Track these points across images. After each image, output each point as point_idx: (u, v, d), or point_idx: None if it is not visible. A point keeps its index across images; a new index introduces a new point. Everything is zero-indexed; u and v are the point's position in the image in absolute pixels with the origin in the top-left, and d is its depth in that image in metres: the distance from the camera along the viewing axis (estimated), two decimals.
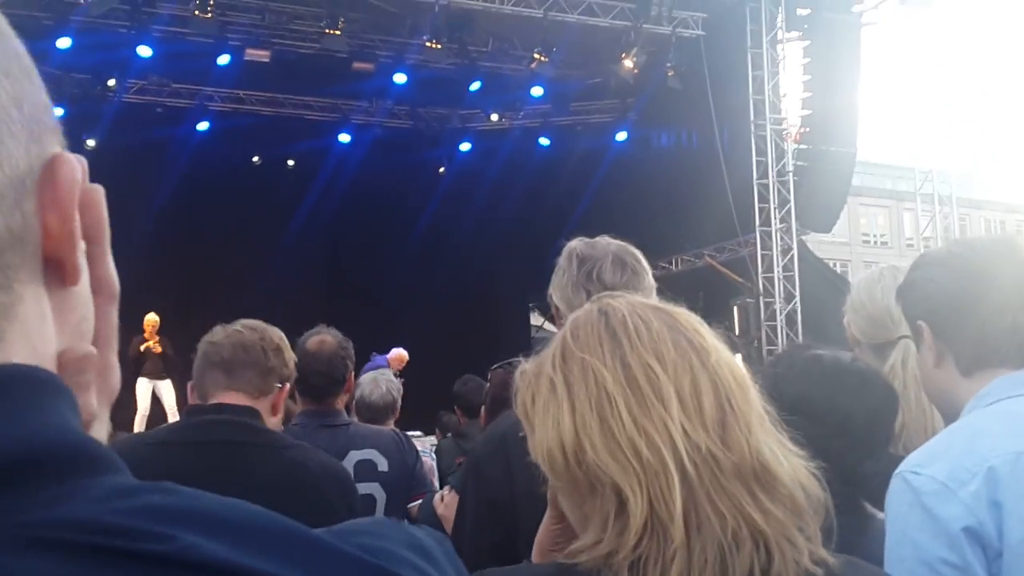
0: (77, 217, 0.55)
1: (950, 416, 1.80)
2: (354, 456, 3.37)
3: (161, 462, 2.14)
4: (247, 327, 2.35)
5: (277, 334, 2.42)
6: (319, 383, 3.38)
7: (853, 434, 1.81)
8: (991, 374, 1.68)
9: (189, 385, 2.44)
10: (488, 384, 3.09)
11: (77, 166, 0.56)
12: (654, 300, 1.25)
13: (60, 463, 0.47)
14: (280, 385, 2.39)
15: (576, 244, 2.27)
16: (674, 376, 1.06)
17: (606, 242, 2.27)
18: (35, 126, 0.55)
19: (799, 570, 1.04)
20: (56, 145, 0.57)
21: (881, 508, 1.83)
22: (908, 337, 2.28)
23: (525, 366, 1.21)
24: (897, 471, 1.59)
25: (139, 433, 7.18)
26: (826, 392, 1.85)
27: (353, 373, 3.50)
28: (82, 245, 0.56)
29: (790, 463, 1.08)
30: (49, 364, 0.54)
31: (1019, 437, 1.53)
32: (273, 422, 2.42)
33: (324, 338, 3.44)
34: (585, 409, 1.07)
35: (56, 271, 0.55)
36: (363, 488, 3.33)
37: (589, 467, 1.06)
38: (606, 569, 1.02)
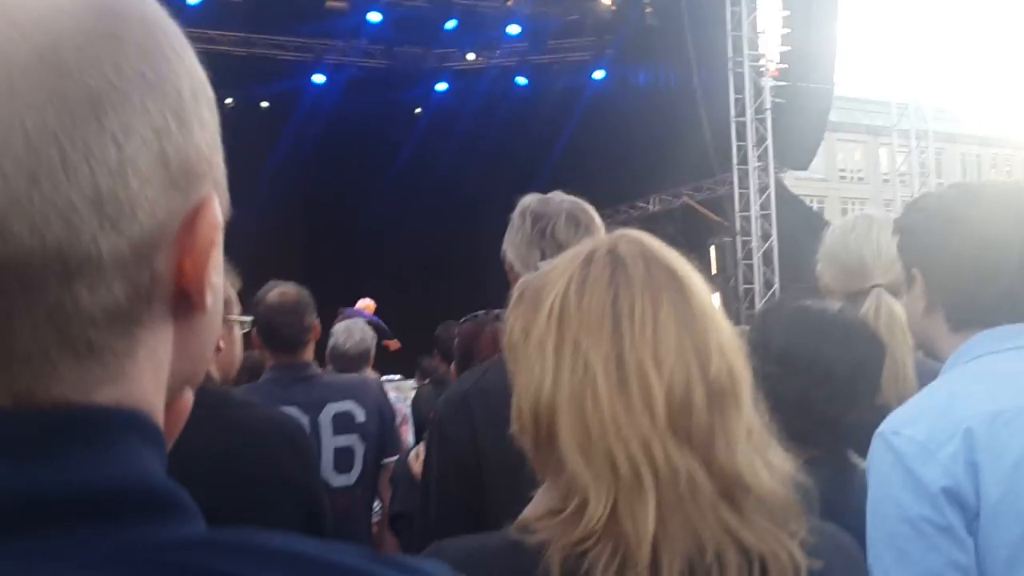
0: (215, 257, 0.56)
1: (933, 358, 1.81)
2: (332, 408, 3.35)
3: None
4: None
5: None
6: (289, 335, 3.32)
7: (836, 384, 1.82)
8: (978, 333, 1.68)
9: None
10: (456, 338, 3.06)
11: (218, 211, 0.56)
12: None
13: (140, 506, 0.50)
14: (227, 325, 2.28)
15: (530, 200, 2.26)
16: (669, 385, 1.00)
17: (560, 199, 2.26)
18: (183, 179, 0.53)
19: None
20: (208, 185, 0.56)
21: (866, 458, 1.86)
22: (881, 286, 2.29)
23: (524, 287, 1.14)
24: (879, 430, 1.60)
25: None
26: (810, 343, 1.86)
27: (316, 319, 3.44)
28: (215, 279, 0.57)
29: (773, 476, 1.05)
30: (160, 393, 0.56)
31: (996, 398, 1.54)
32: (219, 358, 2.32)
33: (284, 290, 3.37)
34: (566, 395, 1.01)
35: (184, 302, 0.56)
36: (342, 440, 3.33)
37: (558, 450, 1.02)
38: (559, 554, 0.97)
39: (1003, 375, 1.60)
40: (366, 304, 10.47)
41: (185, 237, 0.54)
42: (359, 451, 3.38)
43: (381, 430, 3.50)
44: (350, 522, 3.21)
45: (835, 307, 1.99)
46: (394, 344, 10.22)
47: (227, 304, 2.27)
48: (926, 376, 2.09)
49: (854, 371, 1.85)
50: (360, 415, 3.42)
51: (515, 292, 1.15)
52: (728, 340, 1.07)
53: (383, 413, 3.57)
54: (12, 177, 0.47)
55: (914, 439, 1.52)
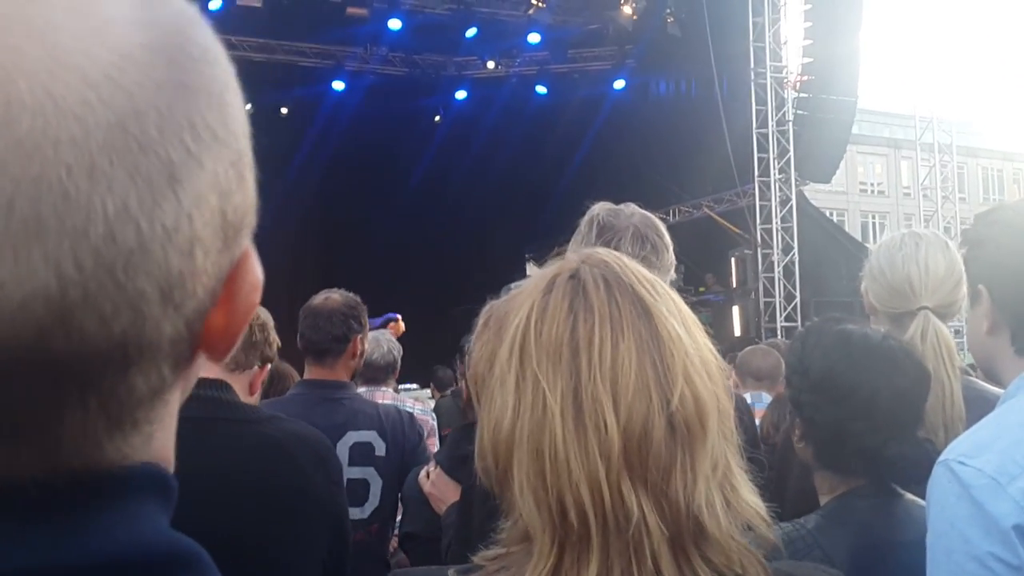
0: (245, 321, 0.54)
1: (991, 380, 1.73)
2: (351, 437, 3.21)
3: None
4: None
5: (264, 312, 2.30)
6: (316, 338, 3.23)
7: (877, 415, 1.74)
8: None
9: None
10: (467, 355, 2.98)
11: (259, 269, 0.54)
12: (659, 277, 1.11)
13: (156, 569, 0.50)
14: (260, 365, 2.29)
15: (599, 210, 2.20)
16: (626, 421, 0.95)
17: (630, 212, 2.20)
18: (233, 237, 0.50)
19: None
20: (247, 237, 0.53)
21: (907, 491, 1.77)
22: (928, 308, 2.21)
23: (490, 314, 1.10)
24: (942, 458, 1.50)
25: None
26: (851, 371, 1.78)
27: (361, 337, 3.31)
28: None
29: (729, 517, 0.99)
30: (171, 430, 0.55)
31: None
32: (250, 401, 2.30)
33: (330, 295, 3.29)
34: (525, 432, 0.97)
35: (201, 350, 0.53)
36: (357, 472, 3.17)
37: (512, 492, 0.99)
38: None
39: None
40: (395, 324, 10.46)
41: (223, 295, 0.51)
42: (375, 485, 3.24)
43: (401, 466, 3.33)
44: (361, 558, 3.11)
45: (879, 333, 1.89)
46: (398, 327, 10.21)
47: (267, 334, 2.26)
48: (974, 400, 2.01)
49: (896, 403, 1.76)
50: (380, 448, 3.27)
51: (481, 317, 1.12)
52: (698, 366, 1.01)
53: (406, 446, 3.40)
54: (89, 269, 0.43)
55: (983, 471, 1.43)
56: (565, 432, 0.95)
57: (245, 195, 0.51)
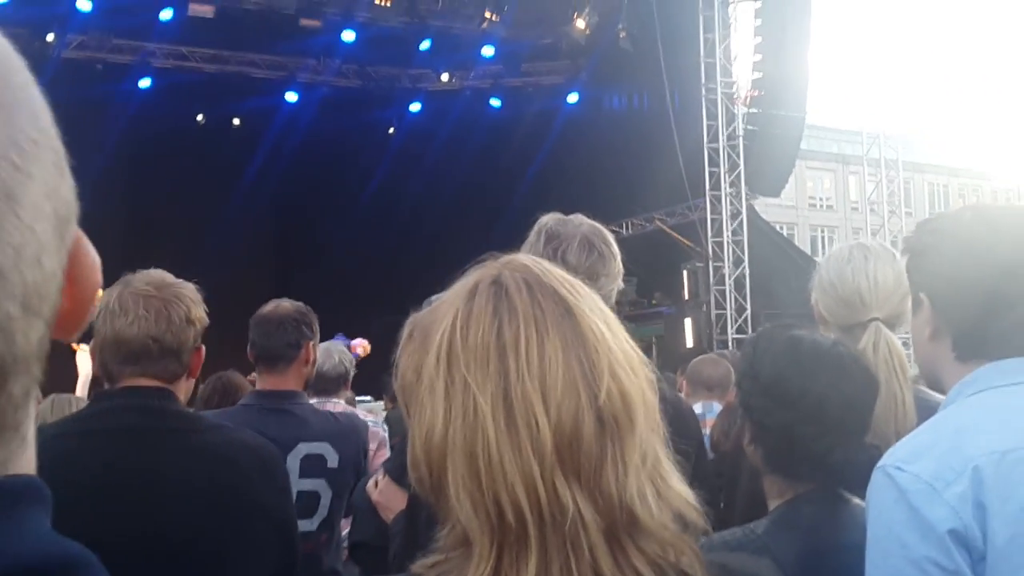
0: (91, 301, 0.55)
1: (934, 387, 1.75)
2: (303, 449, 3.17)
3: (62, 456, 1.91)
4: (146, 311, 2.08)
5: (186, 300, 2.17)
6: (268, 344, 3.21)
7: (826, 420, 1.76)
8: (985, 364, 1.61)
9: (91, 351, 2.19)
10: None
11: (92, 250, 0.55)
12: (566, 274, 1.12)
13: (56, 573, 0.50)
14: (195, 347, 2.21)
15: (548, 220, 2.23)
16: (557, 418, 0.97)
17: (578, 221, 2.22)
18: (65, 231, 0.52)
19: None
20: (75, 223, 0.54)
21: (855, 495, 1.80)
22: (879, 320, 2.23)
23: (414, 325, 1.11)
24: (880, 464, 1.53)
25: (42, 425, 6.95)
26: (801, 376, 1.80)
27: (313, 344, 3.30)
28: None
29: (664, 508, 1.02)
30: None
31: (1004, 435, 1.48)
32: (190, 383, 2.27)
33: (280, 303, 3.30)
34: (458, 437, 0.98)
35: (57, 336, 0.54)
36: (308, 484, 3.13)
37: (448, 498, 1.00)
38: None
39: (1012, 411, 1.54)
40: (363, 344, 10.43)
41: (67, 282, 0.52)
42: (325, 496, 3.20)
43: (352, 476, 3.32)
44: (311, 567, 3.08)
45: (829, 340, 1.92)
46: (363, 347, 10.15)
47: (196, 329, 2.20)
48: (923, 410, 2.04)
49: (844, 408, 1.78)
50: (333, 460, 3.23)
51: (405, 330, 1.12)
52: (623, 362, 1.03)
53: (358, 453, 3.40)
54: None
55: (920, 476, 1.46)
56: (497, 433, 0.97)
57: (68, 186, 0.53)
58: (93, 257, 0.55)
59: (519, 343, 1.00)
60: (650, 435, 1.03)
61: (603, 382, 1.00)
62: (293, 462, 3.09)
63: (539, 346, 1.00)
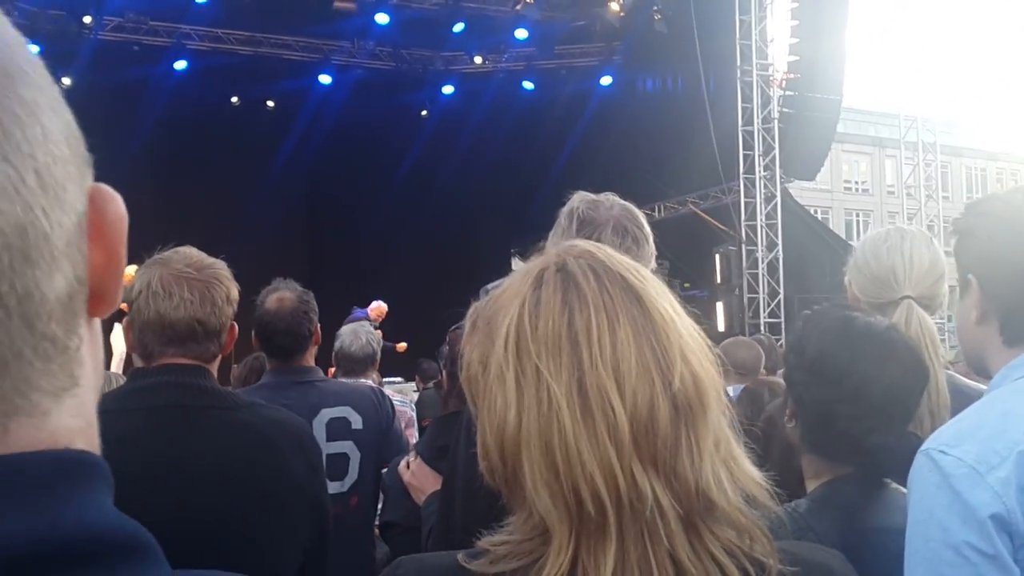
0: (123, 253, 0.55)
1: (979, 371, 1.73)
2: (327, 414, 3.26)
3: (108, 435, 1.95)
4: (191, 294, 2.08)
5: (224, 280, 2.18)
6: (285, 343, 3.25)
7: (866, 403, 1.73)
8: None
9: (124, 329, 2.20)
10: (447, 345, 2.99)
11: (120, 202, 0.56)
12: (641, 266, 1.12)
13: (102, 553, 0.50)
14: (229, 326, 2.24)
15: (579, 203, 2.18)
16: (632, 405, 0.97)
17: (609, 204, 2.18)
18: (80, 161, 0.53)
19: None
20: (91, 174, 0.55)
21: (894, 482, 1.76)
22: (911, 298, 2.22)
23: (477, 315, 1.10)
24: (923, 447, 1.51)
25: None
26: (846, 354, 1.77)
27: (318, 324, 3.34)
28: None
29: (736, 489, 1.01)
30: (95, 397, 0.56)
31: None
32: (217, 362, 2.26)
33: (283, 295, 3.28)
34: (532, 428, 0.98)
35: (95, 302, 0.54)
36: (336, 447, 3.22)
37: (524, 488, 0.99)
38: None
39: None
40: (377, 306, 10.46)
41: (92, 227, 0.53)
42: (354, 458, 3.30)
43: (379, 437, 3.40)
44: (341, 530, 3.14)
45: (884, 323, 1.88)
46: (402, 347, 10.22)
47: (233, 308, 2.22)
48: (953, 395, 2.02)
49: (888, 393, 1.75)
50: (356, 422, 3.33)
51: (468, 320, 1.11)
52: (692, 344, 1.03)
53: (381, 420, 3.47)
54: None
55: (963, 460, 1.43)
56: (574, 423, 0.96)
57: (73, 121, 0.54)
58: (118, 206, 0.55)
59: (591, 331, 1.00)
60: (720, 419, 1.03)
61: (676, 367, 1.00)
62: (319, 428, 3.18)
63: (611, 333, 1.00)
